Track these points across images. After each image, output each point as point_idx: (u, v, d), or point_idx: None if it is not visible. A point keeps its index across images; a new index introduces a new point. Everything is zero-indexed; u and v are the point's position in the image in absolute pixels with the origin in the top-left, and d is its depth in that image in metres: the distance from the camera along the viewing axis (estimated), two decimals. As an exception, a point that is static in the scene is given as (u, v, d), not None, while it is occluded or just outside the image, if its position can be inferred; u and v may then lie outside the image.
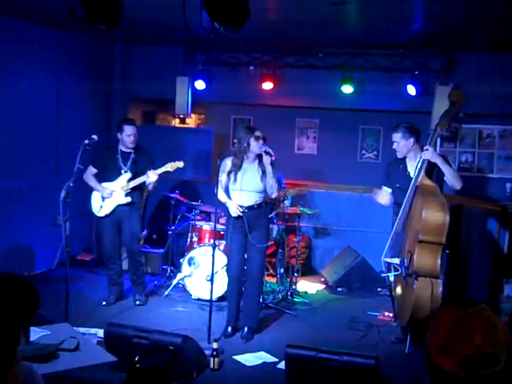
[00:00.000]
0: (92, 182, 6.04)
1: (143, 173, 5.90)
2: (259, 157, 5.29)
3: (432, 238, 4.82)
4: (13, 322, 1.71)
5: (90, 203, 6.09)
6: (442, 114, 5.24)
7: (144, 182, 5.96)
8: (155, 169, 5.90)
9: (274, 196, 5.43)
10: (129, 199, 5.96)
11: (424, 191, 4.97)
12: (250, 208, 5.33)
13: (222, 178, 5.34)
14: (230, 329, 5.44)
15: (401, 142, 5.25)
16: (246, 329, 5.42)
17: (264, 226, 5.46)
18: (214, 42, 7.49)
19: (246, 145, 5.23)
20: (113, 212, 6.01)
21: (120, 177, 5.97)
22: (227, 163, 5.36)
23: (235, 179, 5.30)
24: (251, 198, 5.33)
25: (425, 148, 5.07)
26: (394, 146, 5.33)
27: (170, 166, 5.89)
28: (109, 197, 5.94)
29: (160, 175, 5.87)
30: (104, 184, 6.00)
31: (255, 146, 5.22)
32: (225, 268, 5.72)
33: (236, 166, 5.30)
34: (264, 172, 5.26)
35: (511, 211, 6.74)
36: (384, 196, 5.51)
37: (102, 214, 6.03)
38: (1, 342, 1.65)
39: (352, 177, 8.01)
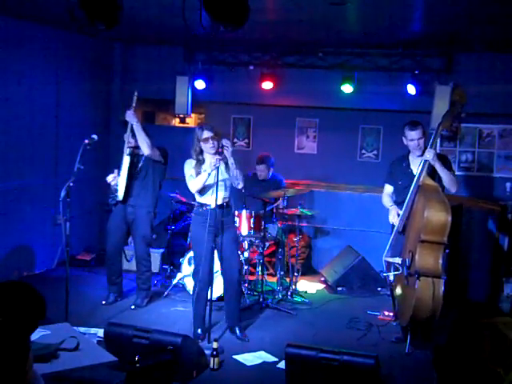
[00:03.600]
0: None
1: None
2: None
3: (434, 238, 4.83)
4: (22, 330, 1.76)
5: (117, 190, 6.00)
6: (444, 113, 5.24)
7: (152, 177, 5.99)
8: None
9: (240, 186, 5.24)
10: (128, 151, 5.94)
11: (426, 191, 4.98)
12: (218, 207, 5.17)
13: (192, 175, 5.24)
14: (200, 330, 5.29)
15: (423, 138, 5.24)
16: (237, 330, 5.37)
17: (234, 225, 5.47)
18: (213, 42, 7.49)
19: (198, 150, 5.15)
20: (124, 212, 6.01)
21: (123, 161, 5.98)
22: (191, 162, 5.25)
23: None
24: (220, 196, 5.19)
25: (427, 150, 5.09)
26: (415, 144, 5.23)
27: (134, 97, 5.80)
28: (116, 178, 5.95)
29: (135, 110, 5.79)
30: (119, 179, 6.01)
31: (207, 148, 5.13)
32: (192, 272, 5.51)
33: (197, 166, 5.19)
34: (226, 164, 5.14)
35: (511, 210, 6.74)
36: (394, 215, 5.42)
37: (120, 192, 5.95)
38: (13, 351, 1.70)
39: (352, 176, 8.01)
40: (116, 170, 5.96)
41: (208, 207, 5.18)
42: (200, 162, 5.21)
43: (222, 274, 5.48)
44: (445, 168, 5.12)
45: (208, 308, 5.26)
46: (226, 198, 5.28)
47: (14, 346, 1.70)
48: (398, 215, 5.28)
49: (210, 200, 5.16)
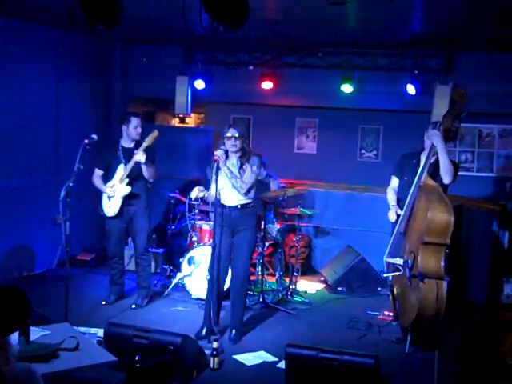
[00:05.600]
0: (97, 183, 6.04)
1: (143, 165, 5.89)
2: (240, 154, 5.24)
3: (437, 240, 4.81)
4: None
5: (102, 206, 6.08)
6: (445, 113, 5.23)
7: (142, 172, 5.88)
8: (154, 160, 5.92)
9: (242, 192, 5.22)
10: (129, 188, 5.90)
11: (427, 191, 4.96)
12: (233, 208, 5.25)
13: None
14: (204, 331, 5.28)
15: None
16: (233, 331, 5.34)
17: (249, 228, 5.32)
18: (213, 42, 7.49)
19: (222, 145, 5.21)
20: (121, 211, 6.00)
21: (117, 170, 5.96)
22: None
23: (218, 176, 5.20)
24: (234, 197, 5.24)
25: (433, 131, 5.08)
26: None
27: (147, 140, 5.73)
28: (113, 194, 5.93)
29: (147, 152, 5.72)
30: (108, 183, 6.00)
31: (229, 146, 5.18)
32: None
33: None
34: (241, 166, 5.22)
35: (511, 210, 6.73)
36: (392, 214, 5.45)
37: (111, 213, 6.01)
38: None
39: (352, 176, 8.01)
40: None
41: (223, 207, 5.25)
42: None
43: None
44: (447, 156, 5.10)
45: (212, 308, 5.25)
46: (242, 200, 5.26)
47: None
48: (398, 216, 5.28)
49: (225, 200, 5.24)
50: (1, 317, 1.85)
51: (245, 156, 5.26)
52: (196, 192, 5.42)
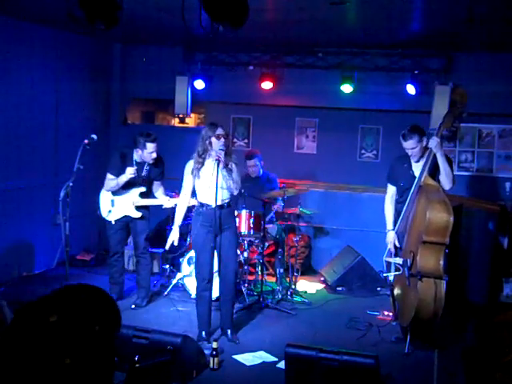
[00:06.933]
0: (113, 182, 5.93)
1: (154, 181, 6.08)
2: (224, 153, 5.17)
3: (436, 239, 4.82)
4: (113, 338, 1.60)
5: (99, 208, 6.09)
6: (446, 113, 5.23)
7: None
8: (163, 178, 6.14)
9: (235, 193, 5.26)
10: (139, 214, 6.02)
11: (427, 191, 4.97)
12: (218, 207, 5.13)
13: (186, 179, 5.27)
14: (204, 333, 5.28)
15: (417, 147, 5.19)
16: (229, 331, 5.33)
17: (233, 226, 5.32)
18: (213, 42, 7.49)
19: (207, 143, 5.11)
20: (121, 218, 6.07)
21: (134, 189, 5.99)
22: (190, 163, 5.24)
23: (198, 176, 5.18)
24: (219, 196, 5.14)
25: (432, 138, 5.08)
26: (410, 153, 5.25)
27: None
28: (133, 173, 5.82)
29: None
30: (118, 197, 6.02)
31: (216, 145, 5.10)
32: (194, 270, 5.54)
33: (199, 163, 5.17)
34: (226, 165, 5.15)
35: (510, 210, 6.74)
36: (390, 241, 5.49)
37: (110, 218, 6.05)
38: (107, 363, 1.53)
39: (351, 176, 8.01)
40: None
41: (208, 207, 5.17)
42: (200, 164, 5.17)
43: (218, 275, 5.43)
44: (446, 161, 5.11)
45: (212, 309, 5.28)
46: (227, 200, 5.24)
47: (107, 357, 1.51)
48: (394, 247, 5.34)
49: (210, 200, 5.13)
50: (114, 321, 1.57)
51: (228, 155, 5.17)
52: (170, 242, 5.50)
